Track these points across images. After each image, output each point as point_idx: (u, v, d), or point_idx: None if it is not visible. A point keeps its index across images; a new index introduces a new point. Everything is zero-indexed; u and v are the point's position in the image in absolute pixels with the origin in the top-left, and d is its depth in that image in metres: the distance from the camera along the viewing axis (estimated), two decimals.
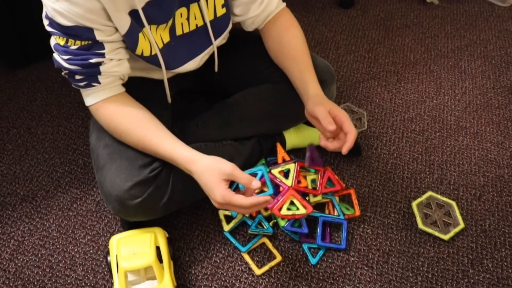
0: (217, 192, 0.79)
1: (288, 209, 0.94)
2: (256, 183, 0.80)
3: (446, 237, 1.00)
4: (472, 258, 0.98)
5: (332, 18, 1.61)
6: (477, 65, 1.44)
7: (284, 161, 1.04)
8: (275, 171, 0.99)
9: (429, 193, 1.08)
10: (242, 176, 0.80)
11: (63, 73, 0.86)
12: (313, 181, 1.02)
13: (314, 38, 1.52)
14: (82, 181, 1.12)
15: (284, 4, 1.01)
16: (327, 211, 1.02)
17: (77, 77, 0.84)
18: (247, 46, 1.06)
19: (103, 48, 0.81)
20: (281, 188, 0.96)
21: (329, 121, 0.83)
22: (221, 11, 0.94)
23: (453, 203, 1.06)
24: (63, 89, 1.34)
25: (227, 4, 0.94)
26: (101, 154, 0.91)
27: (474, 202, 1.08)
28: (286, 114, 1.02)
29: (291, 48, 0.96)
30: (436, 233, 1.00)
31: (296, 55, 0.95)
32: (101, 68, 0.83)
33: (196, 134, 1.01)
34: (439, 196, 1.07)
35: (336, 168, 1.13)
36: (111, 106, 0.87)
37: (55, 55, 0.83)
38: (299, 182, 0.99)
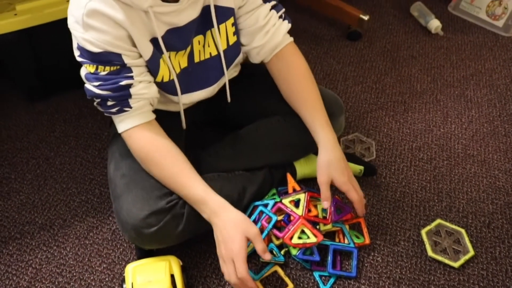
0: (236, 244, 0.85)
1: (299, 237, 0.96)
2: (267, 256, 0.88)
3: (456, 264, 1.01)
4: (483, 285, 0.98)
5: (340, 50, 1.64)
6: (483, 94, 1.46)
7: (294, 191, 1.06)
8: (286, 201, 1.02)
9: (438, 220, 1.09)
10: (261, 244, 0.88)
11: (95, 103, 0.90)
12: (324, 210, 1.04)
13: (322, 70, 1.56)
14: (98, 210, 1.15)
15: (291, 39, 1.04)
16: (337, 239, 1.04)
17: (109, 103, 0.88)
18: (258, 79, 1.10)
19: (131, 72, 0.86)
20: (292, 218, 0.99)
21: (325, 197, 0.95)
22: (233, 39, 0.98)
23: (463, 231, 1.07)
24: (81, 120, 1.39)
25: (237, 31, 0.98)
26: (118, 183, 0.95)
27: (484, 229, 1.09)
28: (296, 145, 1.05)
29: (300, 89, 1.00)
30: (446, 261, 1.01)
31: (305, 98, 0.99)
32: (131, 90, 0.87)
33: (209, 164, 1.04)
34: (448, 224, 1.09)
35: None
36: (144, 134, 0.91)
37: (87, 84, 0.88)
38: (309, 211, 1.02)
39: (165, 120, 1.00)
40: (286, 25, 1.02)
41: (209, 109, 1.12)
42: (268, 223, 0.98)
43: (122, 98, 0.87)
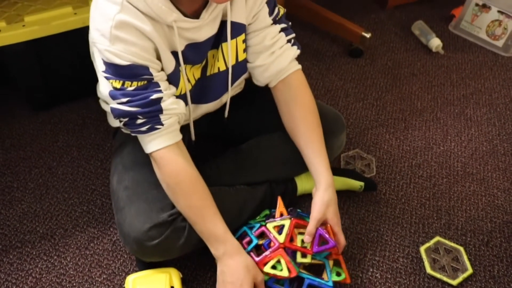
0: (246, 286, 0.88)
1: (273, 267, 0.93)
2: None
3: (454, 282, 1.01)
4: None
5: (342, 67, 1.66)
6: (482, 113, 1.48)
7: (281, 215, 1.02)
8: (270, 226, 0.98)
9: (437, 238, 1.10)
10: None
11: (122, 123, 0.87)
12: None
13: (324, 86, 1.57)
14: (99, 220, 1.16)
15: (299, 66, 1.04)
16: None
17: (139, 121, 0.85)
18: (260, 94, 1.11)
19: (159, 86, 0.85)
20: (272, 244, 0.95)
21: (310, 232, 0.95)
22: (242, 56, 0.99)
23: (461, 249, 1.08)
24: (84, 131, 1.40)
25: (247, 49, 1.00)
26: (121, 196, 0.96)
27: (482, 247, 1.09)
28: (297, 161, 1.05)
29: (304, 126, 1.01)
30: (445, 278, 1.02)
31: (308, 137, 1.00)
32: (162, 104, 0.85)
33: (210, 178, 1.04)
34: (447, 241, 1.09)
35: (346, 213, 1.16)
36: (175, 159, 0.89)
37: (113, 104, 0.85)
38: (291, 240, 0.97)
39: None
40: (295, 51, 1.01)
41: (212, 123, 1.13)
42: (248, 245, 0.97)
43: (153, 114, 0.85)
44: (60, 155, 1.33)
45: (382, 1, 1.95)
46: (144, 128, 0.86)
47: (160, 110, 0.85)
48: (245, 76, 1.06)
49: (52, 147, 1.36)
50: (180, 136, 0.91)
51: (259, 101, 1.12)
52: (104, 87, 0.85)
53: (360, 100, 1.53)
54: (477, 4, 1.75)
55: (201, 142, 1.08)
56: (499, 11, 1.70)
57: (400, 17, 1.91)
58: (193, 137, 1.04)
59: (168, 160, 0.89)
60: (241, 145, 1.11)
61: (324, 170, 0.99)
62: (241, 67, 1.01)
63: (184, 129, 1.02)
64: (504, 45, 1.73)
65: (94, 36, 0.83)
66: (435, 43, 1.71)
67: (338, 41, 1.77)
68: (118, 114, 0.85)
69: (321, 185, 0.98)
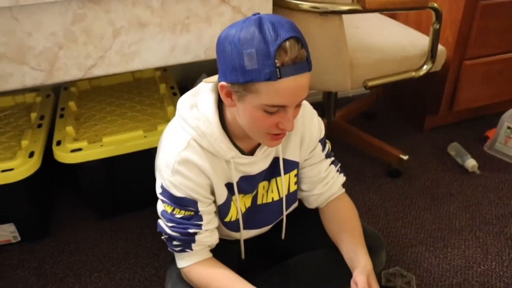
0: None
1: None
2: None
3: None
4: None
5: (382, 187, 1.74)
6: None
7: None
8: None
9: None
10: None
11: (162, 237, 1.03)
12: None
13: (365, 205, 1.65)
14: None
15: (344, 190, 1.18)
16: None
17: (175, 242, 1.00)
18: (307, 216, 1.22)
19: (201, 220, 0.99)
20: None
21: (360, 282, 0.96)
22: (293, 187, 1.13)
23: None
24: (141, 240, 1.51)
25: (298, 181, 1.13)
26: None
27: None
28: (340, 277, 1.10)
29: (347, 223, 1.11)
30: None
31: (351, 231, 1.09)
32: (197, 237, 0.99)
33: None
34: None
35: None
36: (201, 270, 1.02)
37: (160, 221, 1.02)
38: None
39: (222, 246, 1.12)
40: (342, 178, 1.17)
41: (263, 241, 1.23)
42: None
43: (187, 242, 1.00)
44: (119, 261, 1.43)
45: (419, 124, 2.08)
46: (177, 249, 1.02)
47: (194, 241, 1.00)
48: (295, 205, 1.19)
49: (112, 253, 1.46)
50: (209, 255, 1.04)
51: (306, 223, 1.22)
52: (159, 205, 1.02)
53: (400, 219, 1.59)
54: (509, 127, 1.85)
55: (253, 257, 1.18)
56: None
57: (437, 139, 2.01)
58: (242, 256, 1.15)
59: (195, 273, 1.03)
60: (287, 260, 1.18)
61: (364, 255, 1.03)
62: (293, 196, 1.15)
63: (235, 245, 1.13)
64: None
65: (159, 163, 0.99)
66: (471, 163, 1.79)
67: (378, 162, 1.86)
68: (160, 230, 1.02)
69: (361, 265, 1.01)
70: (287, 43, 0.80)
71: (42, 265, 1.42)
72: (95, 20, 1.17)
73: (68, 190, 1.73)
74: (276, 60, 0.80)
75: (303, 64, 0.82)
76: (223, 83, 0.87)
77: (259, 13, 0.85)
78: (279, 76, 0.80)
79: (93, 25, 1.17)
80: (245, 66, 0.81)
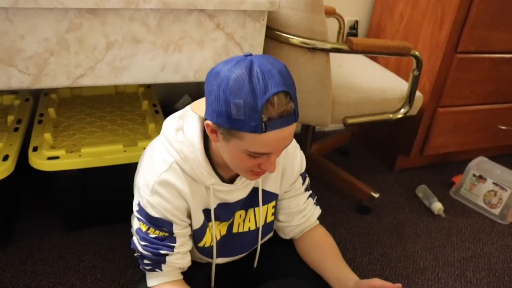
0: None
1: None
2: None
3: None
4: None
5: (351, 222, 1.78)
6: (482, 276, 1.56)
7: None
8: None
9: None
10: None
11: (135, 254, 1.03)
12: None
13: (334, 238, 1.60)
14: None
15: (318, 222, 1.21)
16: None
17: (146, 261, 1.01)
18: (280, 245, 1.23)
19: (175, 242, 0.99)
20: None
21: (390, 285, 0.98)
22: (270, 218, 1.14)
23: None
24: (109, 255, 1.49)
25: (275, 212, 1.15)
26: None
27: None
28: None
29: (329, 249, 1.13)
30: None
31: (334, 255, 1.12)
32: (167, 258, 1.00)
33: None
34: None
35: None
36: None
37: (135, 239, 1.02)
38: None
39: (194, 268, 1.12)
40: (318, 211, 1.20)
41: (234, 266, 1.23)
42: None
43: (157, 262, 1.00)
44: (84, 275, 1.40)
45: (390, 164, 2.15)
46: (147, 268, 1.03)
47: (164, 261, 1.00)
48: (271, 235, 1.20)
49: (78, 267, 1.43)
50: (180, 277, 1.04)
51: (282, 248, 1.23)
52: (135, 223, 1.02)
53: (367, 255, 1.62)
54: (474, 175, 1.94)
55: (224, 281, 1.18)
56: (494, 183, 1.88)
57: (406, 180, 2.08)
58: (212, 284, 1.15)
59: None
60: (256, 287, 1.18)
61: (352, 273, 1.06)
62: (269, 227, 1.17)
63: (207, 269, 1.13)
64: (500, 213, 1.86)
65: (139, 182, 0.99)
66: (437, 206, 1.86)
67: (349, 198, 1.91)
68: (134, 248, 1.03)
69: (353, 278, 1.04)
70: (275, 98, 0.79)
71: (2, 273, 1.37)
72: (90, 31, 1.18)
73: (37, 197, 1.69)
74: (263, 115, 0.79)
75: (289, 117, 0.82)
76: (209, 122, 0.86)
77: (251, 54, 0.85)
78: (264, 130, 0.80)
79: (87, 35, 1.18)
80: (232, 114, 0.80)
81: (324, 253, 1.13)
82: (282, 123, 0.82)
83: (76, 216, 1.56)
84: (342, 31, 2.04)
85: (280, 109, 0.80)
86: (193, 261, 1.14)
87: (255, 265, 1.21)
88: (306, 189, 1.17)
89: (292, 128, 0.85)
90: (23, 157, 1.44)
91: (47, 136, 1.46)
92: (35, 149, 1.40)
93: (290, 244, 1.21)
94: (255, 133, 0.81)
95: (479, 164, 1.97)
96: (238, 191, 1.04)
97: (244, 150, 0.85)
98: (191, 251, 1.09)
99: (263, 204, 1.10)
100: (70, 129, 1.56)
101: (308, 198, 1.17)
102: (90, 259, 1.47)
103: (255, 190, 1.08)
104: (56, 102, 1.70)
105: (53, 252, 1.48)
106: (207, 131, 0.89)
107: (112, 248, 1.52)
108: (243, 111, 0.79)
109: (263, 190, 1.09)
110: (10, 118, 1.56)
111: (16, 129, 1.51)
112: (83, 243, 1.53)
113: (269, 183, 1.08)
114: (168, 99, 1.99)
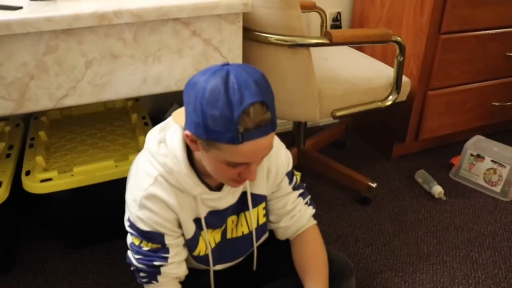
0: None
1: None
2: None
3: None
4: None
5: (351, 214, 1.77)
6: (487, 256, 1.55)
7: None
8: None
9: None
10: None
11: (132, 268, 1.03)
12: None
13: (335, 232, 1.68)
14: None
15: (315, 222, 1.19)
16: None
17: (141, 274, 1.02)
18: (278, 244, 1.22)
19: (168, 252, 1.00)
20: None
21: None
22: (262, 220, 1.14)
23: None
24: (111, 270, 1.49)
25: (267, 214, 1.15)
26: None
27: None
28: None
29: (312, 262, 1.11)
30: None
31: (316, 271, 1.09)
32: (162, 269, 1.00)
33: None
34: None
35: None
36: None
37: (129, 253, 1.02)
38: None
39: (193, 275, 1.12)
40: (311, 210, 1.18)
41: (234, 270, 1.23)
42: None
43: (153, 273, 1.01)
44: None
45: (387, 153, 2.14)
46: (144, 280, 1.04)
47: (159, 273, 1.01)
48: (266, 236, 1.20)
49: (82, 285, 1.44)
50: (176, 286, 1.05)
51: (281, 248, 1.21)
52: (128, 237, 1.03)
53: (369, 245, 1.61)
54: (472, 155, 1.93)
55: (224, 284, 1.18)
56: (492, 161, 1.87)
57: (404, 167, 2.07)
58: None
59: None
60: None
61: None
62: (262, 228, 1.16)
63: (206, 275, 1.13)
64: (502, 190, 1.85)
65: (127, 198, 1.00)
66: (437, 190, 1.85)
67: (348, 190, 1.90)
68: (129, 262, 1.04)
69: None
70: (251, 109, 0.79)
71: None
72: (68, 51, 1.19)
73: (36, 221, 1.70)
74: (239, 126, 0.79)
75: (267, 127, 0.83)
76: (188, 132, 0.87)
77: (228, 64, 0.84)
78: (241, 140, 0.81)
79: (65, 56, 1.19)
80: (209, 126, 0.81)
81: (306, 268, 1.11)
82: (259, 133, 0.82)
83: (76, 235, 1.56)
84: (325, 24, 2.04)
85: (257, 119, 0.80)
86: (192, 269, 1.14)
87: (254, 268, 1.20)
88: (295, 188, 1.16)
89: (270, 138, 0.85)
90: (18, 183, 1.45)
91: (39, 159, 1.46)
92: (27, 173, 1.41)
93: (288, 244, 1.20)
94: (232, 144, 0.81)
95: (476, 143, 1.96)
96: (226, 198, 1.04)
97: (223, 160, 0.85)
98: (188, 260, 1.09)
99: (253, 207, 1.10)
100: (62, 149, 1.57)
101: (298, 197, 1.16)
102: (93, 276, 1.48)
103: (244, 195, 1.08)
104: (46, 125, 1.70)
105: (56, 273, 1.49)
106: (187, 141, 0.89)
107: (114, 263, 1.53)
108: (220, 123, 0.79)
109: (252, 194, 1.08)
110: (2, 144, 1.57)
111: (8, 155, 1.52)
112: (85, 261, 1.54)
113: (256, 185, 1.08)
114: (158, 110, 1.99)
